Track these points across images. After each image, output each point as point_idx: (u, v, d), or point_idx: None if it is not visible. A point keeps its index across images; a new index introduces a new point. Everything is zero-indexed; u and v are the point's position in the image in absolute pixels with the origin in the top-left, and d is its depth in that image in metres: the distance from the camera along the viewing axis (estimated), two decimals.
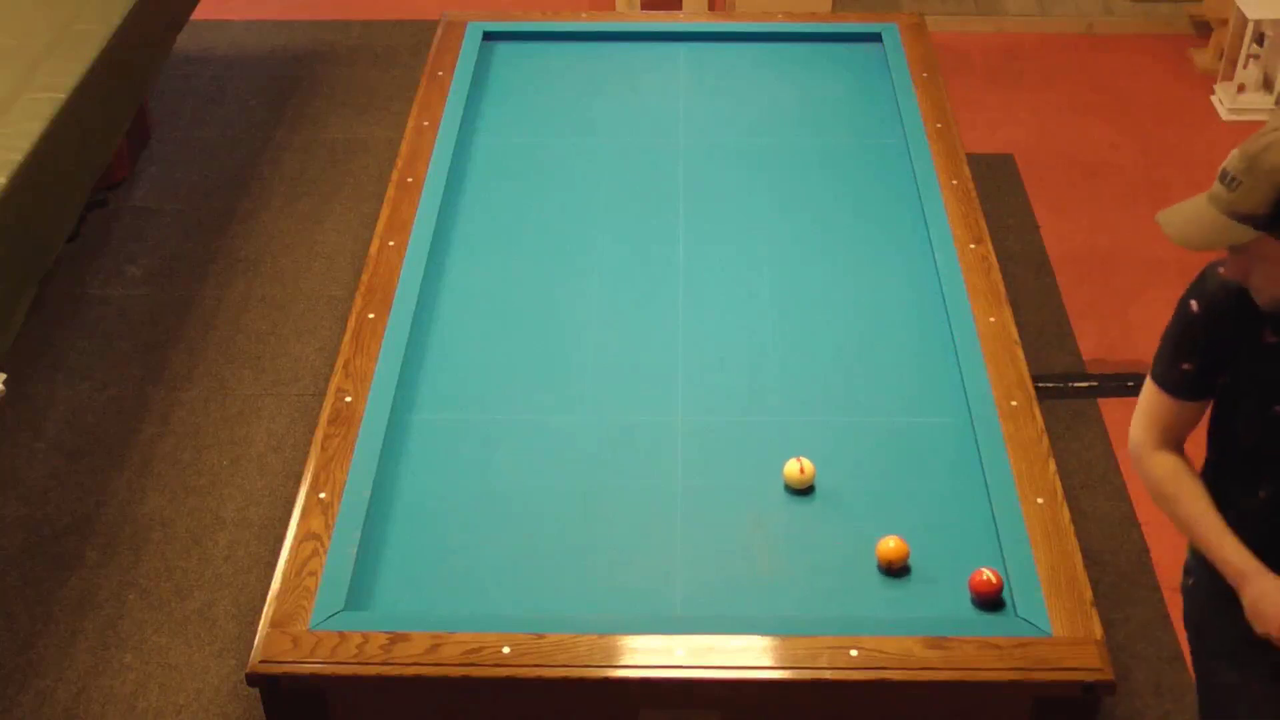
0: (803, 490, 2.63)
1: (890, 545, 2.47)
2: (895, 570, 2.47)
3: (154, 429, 3.92)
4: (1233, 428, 2.26)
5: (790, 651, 2.29)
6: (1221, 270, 2.18)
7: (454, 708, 2.38)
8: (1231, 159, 2.00)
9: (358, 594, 2.41)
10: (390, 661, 2.27)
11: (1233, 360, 2.19)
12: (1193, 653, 2.48)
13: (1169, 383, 2.26)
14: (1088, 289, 4.47)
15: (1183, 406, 2.27)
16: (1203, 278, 2.26)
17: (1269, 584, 2.16)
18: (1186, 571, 2.45)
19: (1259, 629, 2.17)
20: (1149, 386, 2.30)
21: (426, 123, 3.63)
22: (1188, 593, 2.44)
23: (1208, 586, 2.32)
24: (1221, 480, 2.30)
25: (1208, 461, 2.36)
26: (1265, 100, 5.34)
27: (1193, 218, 2.06)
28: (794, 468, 2.62)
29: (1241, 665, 2.31)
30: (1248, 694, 2.31)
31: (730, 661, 2.28)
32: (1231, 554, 2.20)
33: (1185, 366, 2.23)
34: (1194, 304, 2.22)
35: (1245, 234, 2.00)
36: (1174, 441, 2.32)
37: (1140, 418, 2.32)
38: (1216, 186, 2.02)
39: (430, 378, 2.91)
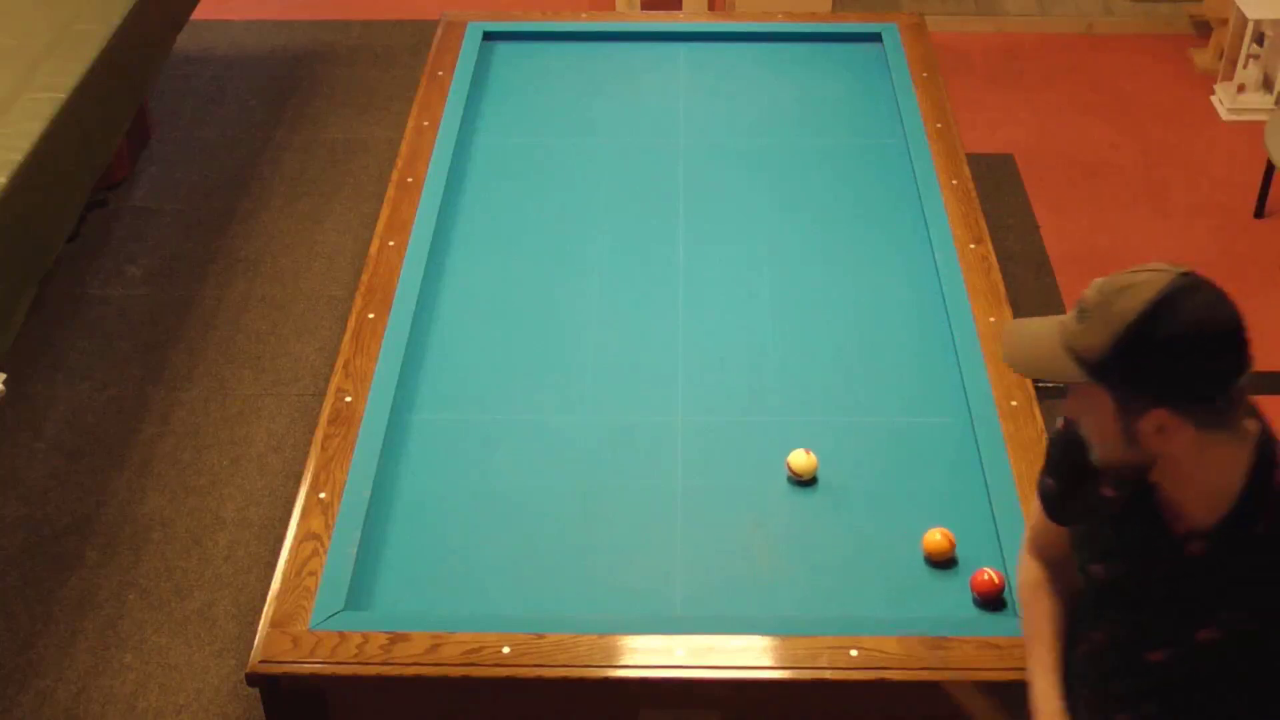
0: (807, 480, 2.63)
1: (936, 538, 2.47)
2: (941, 562, 2.48)
3: (154, 429, 3.92)
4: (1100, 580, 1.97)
5: (790, 651, 2.29)
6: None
7: (454, 708, 2.38)
8: (1091, 288, 1.76)
9: (358, 594, 2.41)
10: (390, 661, 2.27)
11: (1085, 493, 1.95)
12: None
13: (1039, 492, 2.04)
14: None
15: (1048, 522, 2.03)
16: None
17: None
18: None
19: None
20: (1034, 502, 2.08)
21: (426, 123, 3.63)
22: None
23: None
24: (1079, 610, 2.05)
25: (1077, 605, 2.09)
26: (1265, 100, 5.34)
27: (1033, 340, 1.82)
28: (800, 455, 2.63)
29: None
30: None
31: (730, 661, 2.28)
32: (1040, 692, 2.01)
33: (1049, 481, 2.00)
34: (1060, 421, 1.99)
35: (1075, 374, 1.80)
36: (1045, 548, 2.07)
37: (1029, 516, 2.16)
38: (1071, 313, 1.78)
39: (430, 378, 2.91)
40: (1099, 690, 1.99)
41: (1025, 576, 2.10)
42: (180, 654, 3.31)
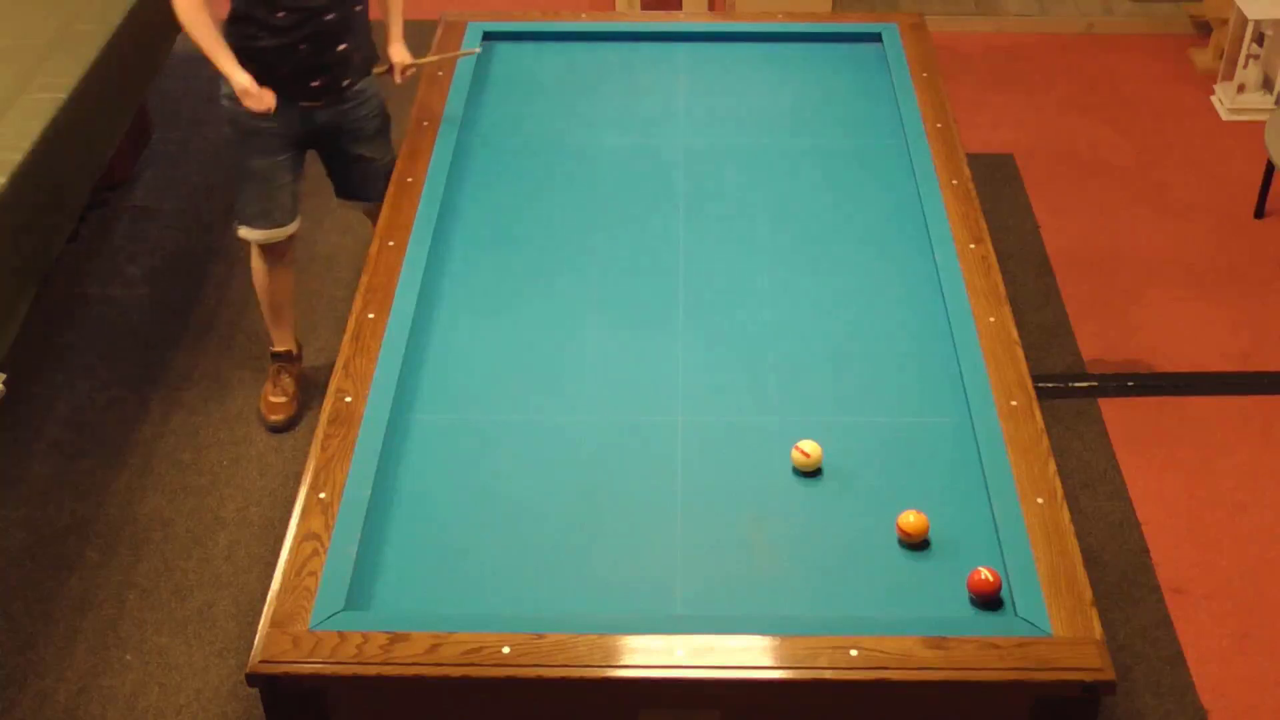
0: (810, 470, 2.66)
1: (910, 519, 2.49)
2: (914, 544, 2.49)
3: (154, 429, 3.92)
4: None
5: (790, 651, 2.29)
6: None
7: (454, 708, 2.38)
8: None
9: (358, 594, 2.42)
10: (390, 661, 2.27)
11: None
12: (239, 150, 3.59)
13: None
14: (1088, 289, 4.48)
15: None
16: None
17: (246, 77, 3.35)
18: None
19: (249, 104, 3.35)
20: None
21: (426, 123, 3.63)
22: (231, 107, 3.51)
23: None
24: (242, 21, 3.38)
25: (244, 46, 3.39)
26: (1265, 100, 5.35)
27: None
28: (811, 442, 2.66)
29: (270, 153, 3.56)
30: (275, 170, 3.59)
31: (730, 661, 2.28)
32: (236, 76, 3.35)
33: None
34: None
35: None
36: None
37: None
38: None
39: (430, 378, 2.91)
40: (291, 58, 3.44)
41: (185, 7, 3.31)
42: (180, 654, 3.31)
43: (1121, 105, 5.46)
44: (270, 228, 3.65)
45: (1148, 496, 3.73)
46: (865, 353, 2.97)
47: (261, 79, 3.37)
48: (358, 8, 3.46)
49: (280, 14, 3.32)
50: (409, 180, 3.40)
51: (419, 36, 5.69)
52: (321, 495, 2.57)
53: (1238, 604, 3.44)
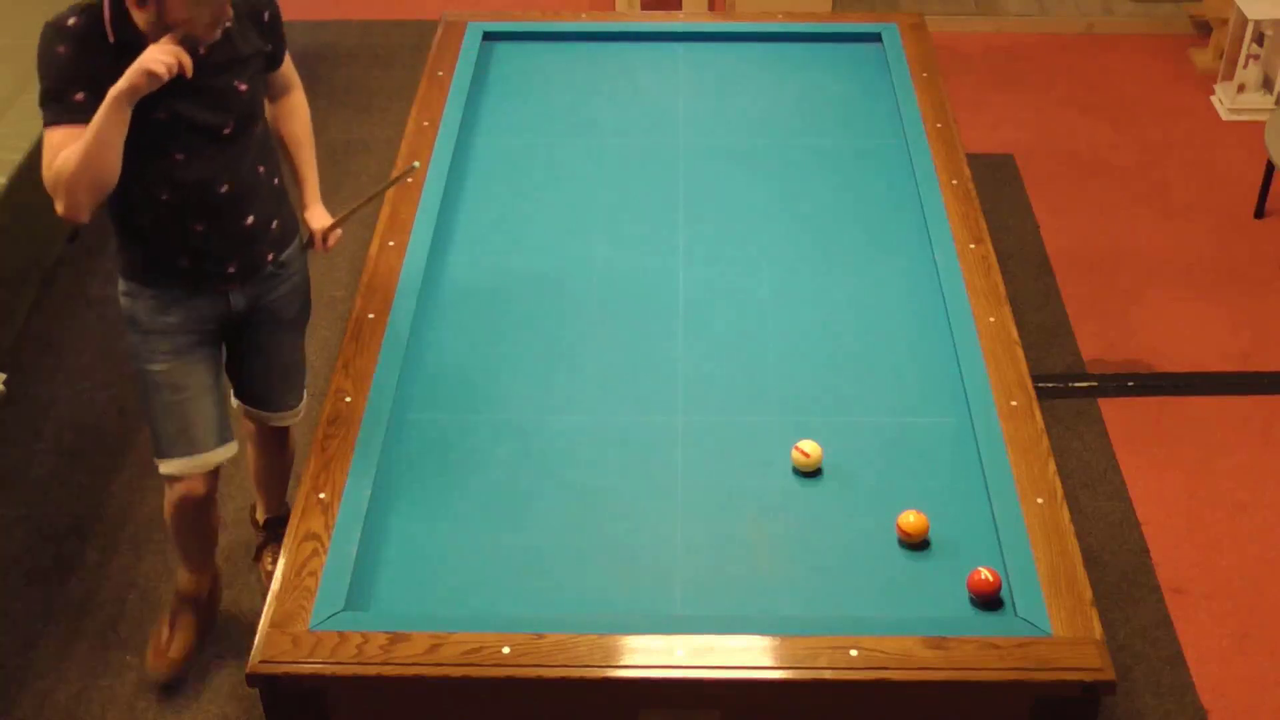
0: (810, 470, 2.66)
1: (910, 519, 2.50)
2: (914, 544, 2.50)
3: None
4: (133, 171, 2.61)
5: (790, 651, 2.29)
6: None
7: (454, 708, 2.38)
8: None
9: (358, 594, 2.42)
10: (390, 661, 2.27)
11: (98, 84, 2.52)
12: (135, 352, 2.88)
13: (68, 112, 2.55)
14: (1088, 289, 4.48)
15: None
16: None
17: (134, 67, 2.49)
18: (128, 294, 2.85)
19: (154, 68, 2.47)
20: (52, 133, 2.56)
21: (426, 123, 3.63)
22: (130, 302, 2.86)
23: (149, 297, 2.82)
24: (125, 213, 2.75)
25: (141, 227, 2.76)
26: (1265, 100, 5.35)
27: None
28: (811, 442, 2.66)
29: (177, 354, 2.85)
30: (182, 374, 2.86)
31: (730, 661, 2.28)
32: (109, 95, 2.50)
33: (78, 97, 2.55)
34: (61, 48, 2.56)
35: None
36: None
37: (47, 159, 2.56)
38: None
39: (430, 378, 2.91)
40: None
41: (62, 157, 2.54)
42: None
43: (1121, 105, 5.46)
44: (194, 453, 2.88)
45: (1148, 496, 3.73)
46: (865, 353, 2.97)
47: (164, 274, 2.78)
48: (261, 169, 2.80)
49: (164, 195, 2.68)
50: (409, 180, 3.40)
51: (419, 36, 5.71)
52: (321, 495, 2.57)
53: (1238, 604, 3.44)
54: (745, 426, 2.79)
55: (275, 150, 2.91)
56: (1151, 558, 3.55)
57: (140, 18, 2.51)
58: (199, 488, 2.95)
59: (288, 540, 2.49)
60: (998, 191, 4.90)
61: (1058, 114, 5.40)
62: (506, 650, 2.28)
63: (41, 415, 3.97)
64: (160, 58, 2.45)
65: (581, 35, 4.10)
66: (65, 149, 2.52)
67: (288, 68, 2.95)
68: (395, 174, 2.99)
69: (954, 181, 3.40)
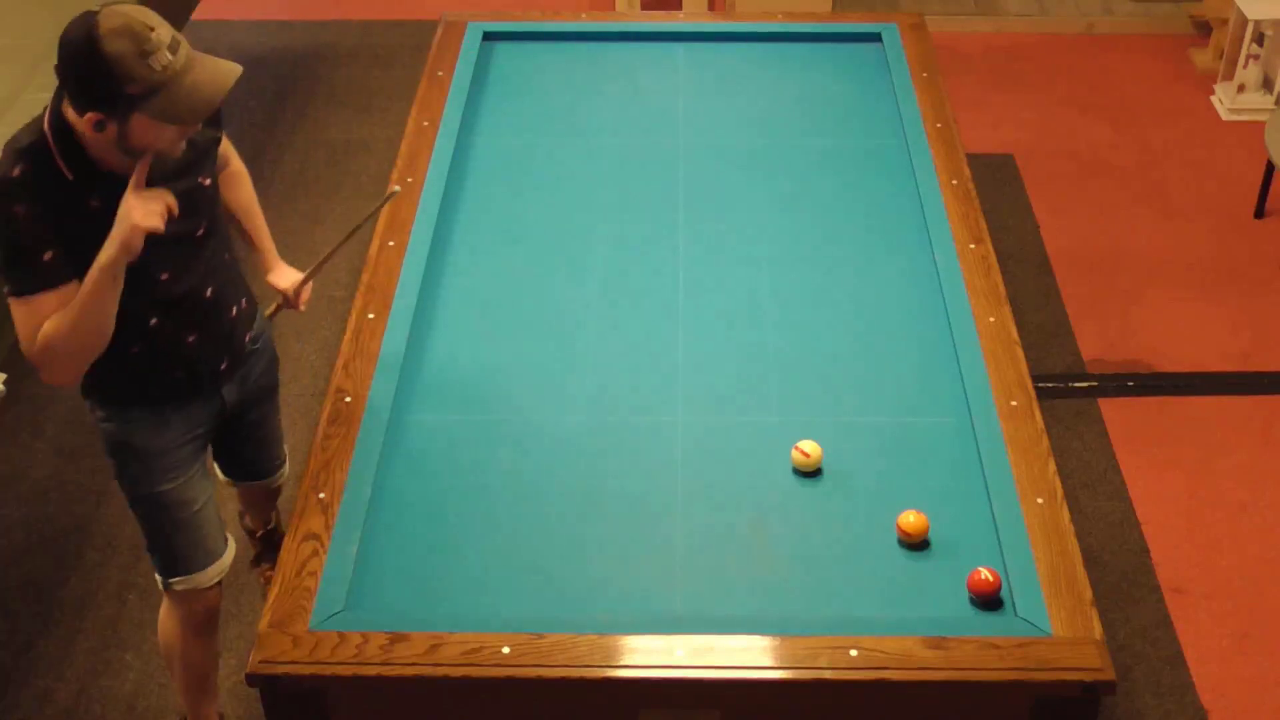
0: (810, 470, 2.66)
1: (910, 519, 2.50)
2: (914, 544, 2.49)
3: None
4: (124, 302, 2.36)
5: (790, 651, 2.29)
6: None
7: (454, 708, 2.38)
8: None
9: (358, 594, 2.41)
10: (390, 661, 2.27)
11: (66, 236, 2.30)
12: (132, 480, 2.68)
13: (40, 278, 2.30)
14: (1088, 289, 4.48)
15: (61, 294, 2.32)
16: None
17: (118, 220, 2.28)
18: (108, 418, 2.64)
19: (148, 224, 2.27)
20: (26, 303, 2.31)
21: (426, 123, 3.63)
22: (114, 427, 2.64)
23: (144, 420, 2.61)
24: (110, 347, 2.41)
25: (131, 356, 2.50)
26: (1265, 100, 5.35)
27: None
28: (811, 443, 2.66)
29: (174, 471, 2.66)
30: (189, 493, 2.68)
31: (730, 661, 2.28)
32: (102, 257, 2.29)
33: (47, 257, 2.29)
34: (18, 208, 2.25)
35: None
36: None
37: (29, 330, 2.33)
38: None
39: (430, 378, 2.91)
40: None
41: (50, 325, 2.31)
42: None
43: (1121, 105, 5.46)
44: (211, 563, 2.76)
45: (1148, 496, 3.73)
46: (865, 352, 2.97)
47: (158, 392, 2.60)
48: (227, 256, 2.63)
49: (154, 319, 2.49)
50: (409, 180, 3.40)
51: (419, 36, 5.71)
52: (321, 495, 2.57)
53: (1238, 604, 3.44)
54: (745, 426, 2.79)
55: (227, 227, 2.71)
56: (1151, 558, 3.55)
57: (96, 143, 2.27)
58: (215, 597, 2.82)
59: (288, 540, 2.49)
60: (998, 191, 4.90)
61: (1058, 114, 5.40)
62: (506, 650, 2.28)
63: (41, 415, 3.97)
64: (152, 208, 2.26)
65: (581, 35, 4.10)
66: (47, 318, 2.30)
67: (226, 141, 2.74)
68: (364, 219, 2.81)
69: (954, 181, 3.40)
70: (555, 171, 3.54)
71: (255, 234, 2.88)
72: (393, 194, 2.93)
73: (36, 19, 4.06)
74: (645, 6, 5.76)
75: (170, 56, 2.19)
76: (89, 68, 2.17)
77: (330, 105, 5.39)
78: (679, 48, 4.06)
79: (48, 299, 2.31)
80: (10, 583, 3.49)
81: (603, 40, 4.08)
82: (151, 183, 2.31)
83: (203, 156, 2.51)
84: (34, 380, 4.06)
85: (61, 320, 2.31)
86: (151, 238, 2.30)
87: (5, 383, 3.14)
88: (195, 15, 4.92)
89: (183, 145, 2.37)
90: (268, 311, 2.87)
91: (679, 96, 3.85)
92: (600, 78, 3.92)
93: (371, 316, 2.99)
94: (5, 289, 2.33)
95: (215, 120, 2.56)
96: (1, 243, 2.28)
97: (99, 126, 2.22)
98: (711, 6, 5.95)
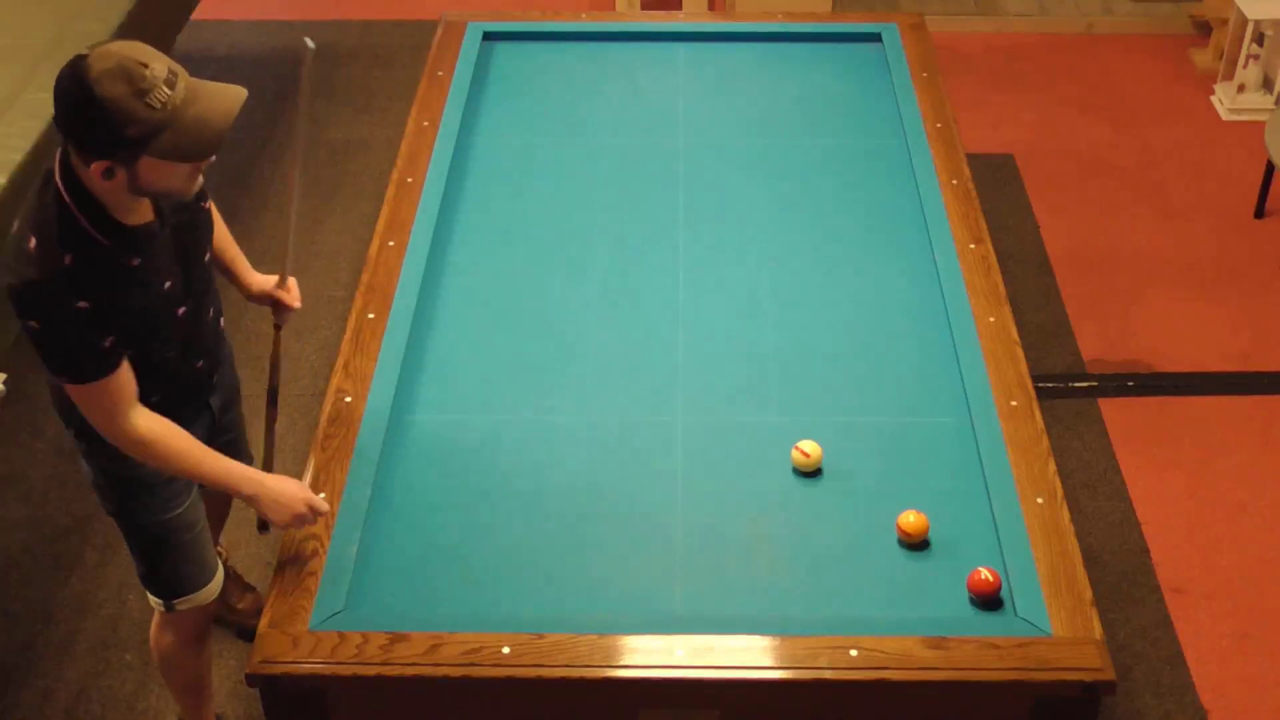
0: (810, 471, 2.66)
1: (910, 519, 2.50)
2: (914, 544, 2.50)
3: None
4: (134, 338, 2.34)
5: (790, 651, 2.29)
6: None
7: (454, 708, 2.38)
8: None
9: (358, 594, 2.42)
10: (390, 661, 2.27)
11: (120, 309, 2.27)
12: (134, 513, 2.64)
13: (104, 366, 2.28)
14: (1088, 289, 4.48)
15: (122, 374, 2.32)
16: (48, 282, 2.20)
17: (275, 485, 2.44)
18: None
19: (283, 521, 2.43)
20: (95, 388, 2.30)
21: (426, 123, 3.63)
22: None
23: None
24: (173, 405, 2.49)
25: (152, 404, 2.43)
26: (1265, 100, 5.35)
27: None
28: (811, 443, 2.66)
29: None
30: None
31: (730, 661, 2.28)
32: (240, 475, 2.44)
33: (107, 344, 2.27)
34: (82, 304, 2.21)
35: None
36: (134, 404, 2.37)
37: (106, 409, 2.33)
38: None
39: (430, 378, 2.91)
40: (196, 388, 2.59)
41: (153, 427, 2.37)
42: None
43: (1121, 105, 5.46)
44: (209, 580, 2.75)
45: (1148, 496, 3.73)
46: (865, 353, 2.97)
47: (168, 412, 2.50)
48: (213, 284, 2.62)
49: (171, 355, 2.47)
50: (409, 180, 3.40)
51: (419, 36, 5.71)
52: (321, 495, 2.57)
53: (1238, 604, 3.44)
54: (745, 426, 2.79)
55: None
56: (1151, 558, 3.55)
57: (110, 193, 2.20)
58: (209, 612, 2.83)
59: (287, 540, 2.49)
60: (998, 191, 4.90)
61: (1058, 114, 5.40)
62: (506, 650, 2.28)
63: (41, 415, 3.97)
64: (317, 516, 2.46)
65: (581, 35, 4.10)
66: (108, 397, 2.30)
67: None
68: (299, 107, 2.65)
69: (954, 181, 3.40)
70: (555, 171, 3.54)
71: (229, 255, 2.76)
72: (310, 51, 2.49)
73: (36, 19, 4.05)
74: (645, 6, 5.76)
75: (169, 92, 2.10)
76: (86, 116, 2.08)
77: (330, 105, 5.39)
78: (679, 48, 4.06)
79: (110, 385, 2.29)
80: (10, 583, 3.49)
81: (603, 40, 4.08)
82: (167, 221, 2.32)
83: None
84: (34, 380, 4.06)
85: (153, 454, 2.37)
86: (174, 280, 2.37)
87: (5, 383, 3.14)
88: (195, 15, 4.92)
89: (199, 182, 2.30)
90: (277, 323, 2.83)
91: (679, 96, 3.85)
92: (600, 78, 3.93)
93: (371, 316, 2.99)
94: (58, 375, 2.31)
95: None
96: (65, 340, 2.23)
97: (108, 175, 2.14)
98: (711, 6, 5.94)
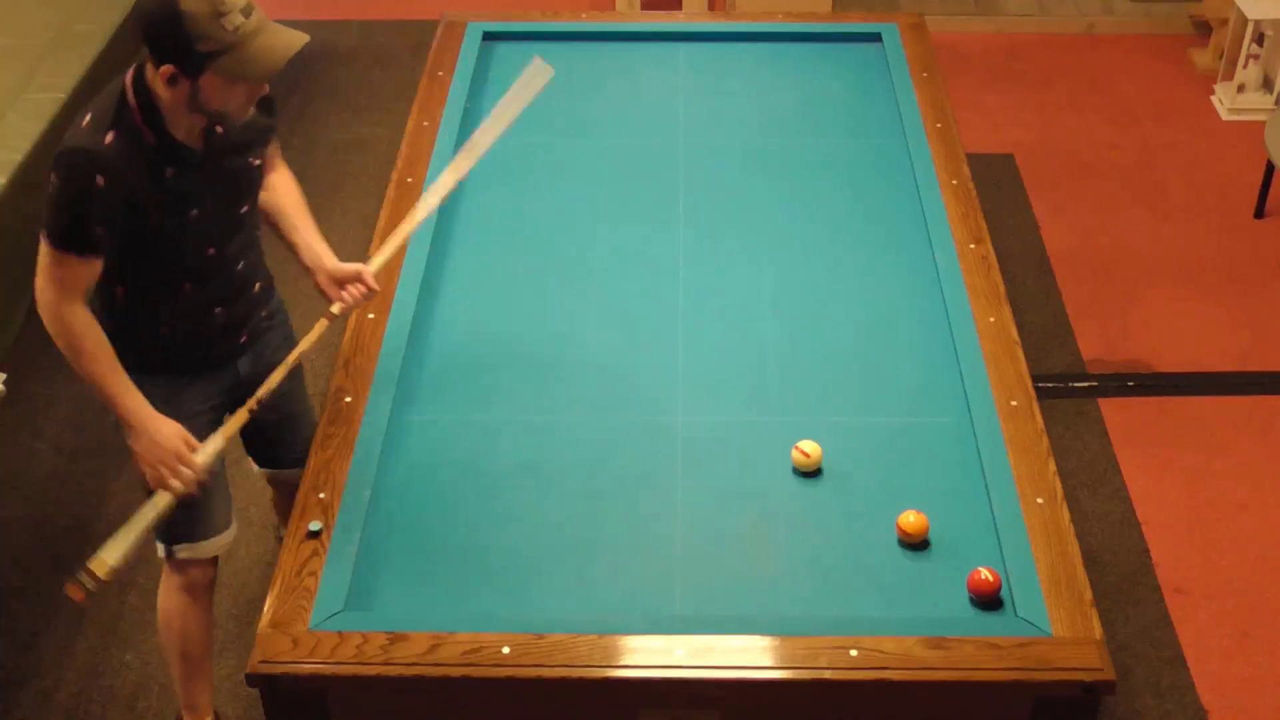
0: (811, 470, 2.66)
1: (910, 519, 2.50)
2: (914, 544, 2.50)
3: None
4: (154, 258, 2.52)
5: (790, 651, 2.29)
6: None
7: (454, 708, 2.38)
8: None
9: (358, 594, 2.41)
10: (390, 661, 2.27)
11: (135, 210, 2.42)
12: None
13: (84, 246, 2.41)
14: (1088, 289, 4.48)
15: (91, 264, 2.45)
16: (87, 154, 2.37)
17: (156, 425, 2.51)
18: None
19: (168, 482, 2.49)
20: (58, 257, 2.42)
21: (426, 123, 3.63)
22: None
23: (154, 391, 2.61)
24: (137, 312, 2.60)
25: (116, 307, 2.59)
26: (1265, 100, 5.35)
27: None
28: (811, 443, 2.66)
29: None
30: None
31: (730, 661, 2.28)
32: (131, 402, 2.52)
33: (98, 231, 2.40)
34: (100, 178, 2.36)
35: None
36: (82, 296, 2.49)
37: (55, 280, 2.45)
38: None
39: (430, 378, 2.91)
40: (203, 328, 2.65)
41: (82, 324, 2.47)
42: None
43: (1121, 105, 5.46)
44: (210, 535, 2.78)
45: (1148, 496, 3.73)
46: (865, 353, 2.97)
47: (174, 364, 2.67)
48: (257, 231, 2.74)
49: (186, 286, 2.58)
50: (409, 180, 3.40)
51: (419, 36, 5.71)
52: (321, 495, 2.57)
53: (1238, 604, 3.44)
54: (745, 426, 2.79)
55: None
56: (1151, 558, 3.55)
57: (170, 102, 2.38)
58: (210, 571, 2.85)
59: (288, 540, 2.49)
60: (998, 191, 4.90)
61: (1058, 114, 5.40)
62: (506, 650, 2.28)
63: (41, 415, 3.97)
64: (186, 476, 2.49)
65: (581, 35, 4.10)
66: (68, 274, 2.42)
67: (274, 143, 2.83)
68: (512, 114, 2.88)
69: (954, 181, 3.40)
70: (555, 171, 3.54)
71: (307, 234, 2.79)
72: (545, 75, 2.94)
73: (36, 19, 4.06)
74: (645, 6, 5.76)
75: (242, 19, 2.31)
76: (165, 22, 2.29)
77: (330, 105, 5.39)
78: (679, 48, 4.06)
79: (77, 265, 2.42)
80: (10, 583, 3.49)
81: (603, 40, 4.08)
82: (210, 155, 2.49)
83: (256, 139, 2.65)
84: (34, 380, 4.07)
85: (70, 343, 2.48)
86: (203, 215, 2.50)
87: (5, 383, 3.14)
88: None
89: (250, 110, 2.48)
90: (335, 309, 2.75)
91: (679, 96, 3.85)
92: (600, 78, 3.93)
93: (371, 316, 2.99)
94: (44, 229, 2.42)
95: (269, 108, 2.71)
96: (69, 204, 2.39)
97: (172, 81, 2.33)
98: (711, 6, 5.95)
